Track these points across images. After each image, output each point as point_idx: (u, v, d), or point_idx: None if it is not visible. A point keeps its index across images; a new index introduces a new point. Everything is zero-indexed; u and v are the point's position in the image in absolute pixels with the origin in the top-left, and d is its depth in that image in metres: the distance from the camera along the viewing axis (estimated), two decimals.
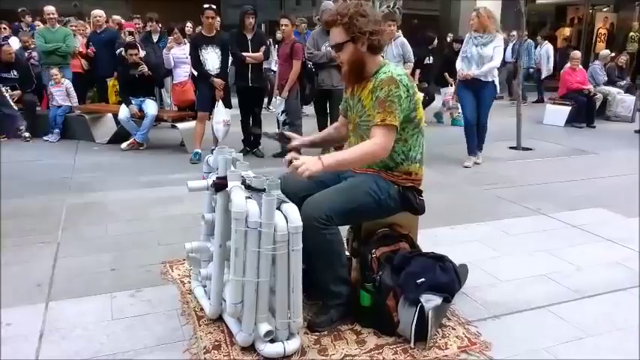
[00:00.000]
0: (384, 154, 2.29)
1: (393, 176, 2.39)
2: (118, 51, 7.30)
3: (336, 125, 2.79)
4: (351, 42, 2.31)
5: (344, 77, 2.49)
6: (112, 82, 7.56)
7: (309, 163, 2.14)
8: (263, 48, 5.92)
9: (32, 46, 7.84)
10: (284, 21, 5.94)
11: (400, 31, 6.73)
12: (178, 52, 6.69)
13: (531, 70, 12.04)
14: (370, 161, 2.35)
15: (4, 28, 8.11)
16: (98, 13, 7.78)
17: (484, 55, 5.49)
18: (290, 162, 2.17)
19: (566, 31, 15.68)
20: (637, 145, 6.83)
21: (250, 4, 6.01)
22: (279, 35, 7.79)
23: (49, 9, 7.42)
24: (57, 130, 6.98)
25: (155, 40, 7.92)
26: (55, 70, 7.13)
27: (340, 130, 2.70)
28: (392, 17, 6.77)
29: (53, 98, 7.14)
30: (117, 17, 9.08)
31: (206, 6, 5.66)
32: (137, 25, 8.76)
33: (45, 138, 6.93)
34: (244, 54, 5.80)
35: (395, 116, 2.24)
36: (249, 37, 5.86)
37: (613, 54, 10.37)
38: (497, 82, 5.67)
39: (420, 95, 2.80)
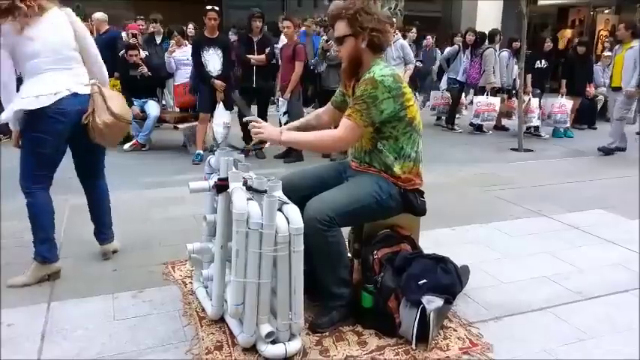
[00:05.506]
0: (340, 147, 2.44)
1: (394, 177, 2.39)
2: (121, 53, 7.32)
3: (318, 112, 2.78)
4: (352, 36, 2.32)
5: (342, 72, 2.50)
6: (111, 83, 7.57)
7: (269, 132, 2.29)
8: (267, 50, 5.94)
9: None
10: (286, 23, 5.95)
11: (399, 33, 6.74)
12: (179, 55, 6.70)
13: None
14: (325, 149, 2.41)
15: None
16: (99, 16, 7.78)
17: None
18: (249, 123, 2.31)
19: (568, 33, 15.68)
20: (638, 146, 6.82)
21: (253, 5, 6.04)
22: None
23: None
24: None
25: (158, 42, 7.92)
26: None
27: (321, 118, 2.70)
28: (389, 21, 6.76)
29: None
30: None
31: (208, 7, 5.68)
32: (141, 27, 8.77)
33: None
34: (249, 56, 5.83)
35: (361, 115, 2.25)
36: (255, 39, 5.88)
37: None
38: None
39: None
